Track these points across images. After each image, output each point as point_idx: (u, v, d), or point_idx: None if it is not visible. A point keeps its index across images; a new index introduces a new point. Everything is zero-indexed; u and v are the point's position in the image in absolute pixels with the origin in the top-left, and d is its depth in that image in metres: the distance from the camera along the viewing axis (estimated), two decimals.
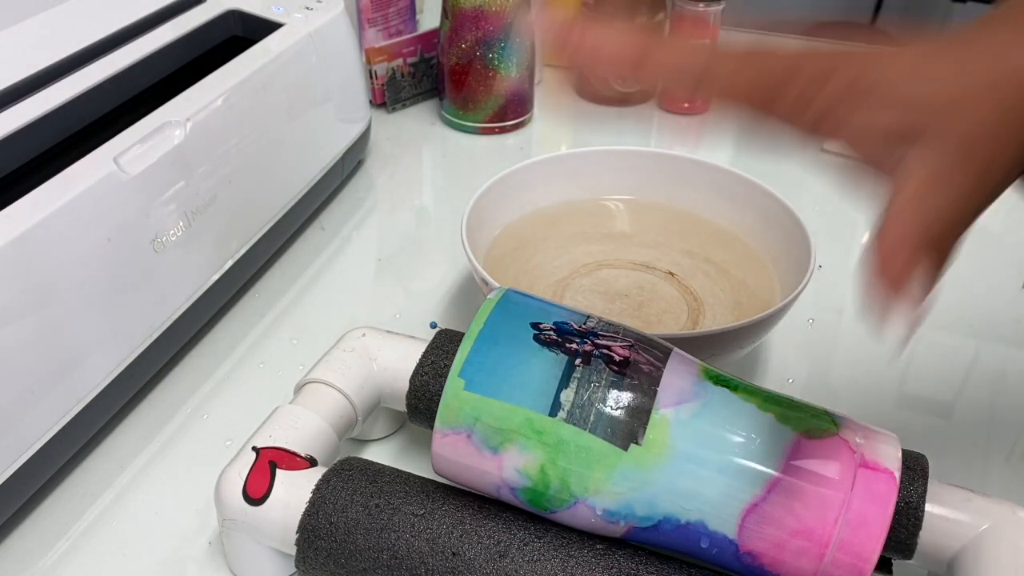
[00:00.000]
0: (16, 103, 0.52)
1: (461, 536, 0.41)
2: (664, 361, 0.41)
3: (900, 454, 0.39)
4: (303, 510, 0.42)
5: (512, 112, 0.86)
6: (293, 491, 0.42)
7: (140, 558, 0.47)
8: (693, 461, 0.39)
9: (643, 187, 0.68)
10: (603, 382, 0.40)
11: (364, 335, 0.51)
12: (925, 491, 0.40)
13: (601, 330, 0.43)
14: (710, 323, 0.58)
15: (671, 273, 0.62)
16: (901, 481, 0.39)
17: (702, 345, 0.50)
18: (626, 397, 0.40)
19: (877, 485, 0.38)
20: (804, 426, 0.39)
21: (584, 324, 0.43)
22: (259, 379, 0.59)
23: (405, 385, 0.48)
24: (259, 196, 0.64)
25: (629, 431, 0.39)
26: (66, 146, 0.54)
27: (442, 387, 0.40)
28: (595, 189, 0.69)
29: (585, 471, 0.39)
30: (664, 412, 0.40)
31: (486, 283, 0.53)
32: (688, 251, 0.64)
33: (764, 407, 0.40)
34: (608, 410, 0.39)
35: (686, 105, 0.91)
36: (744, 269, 0.62)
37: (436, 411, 0.41)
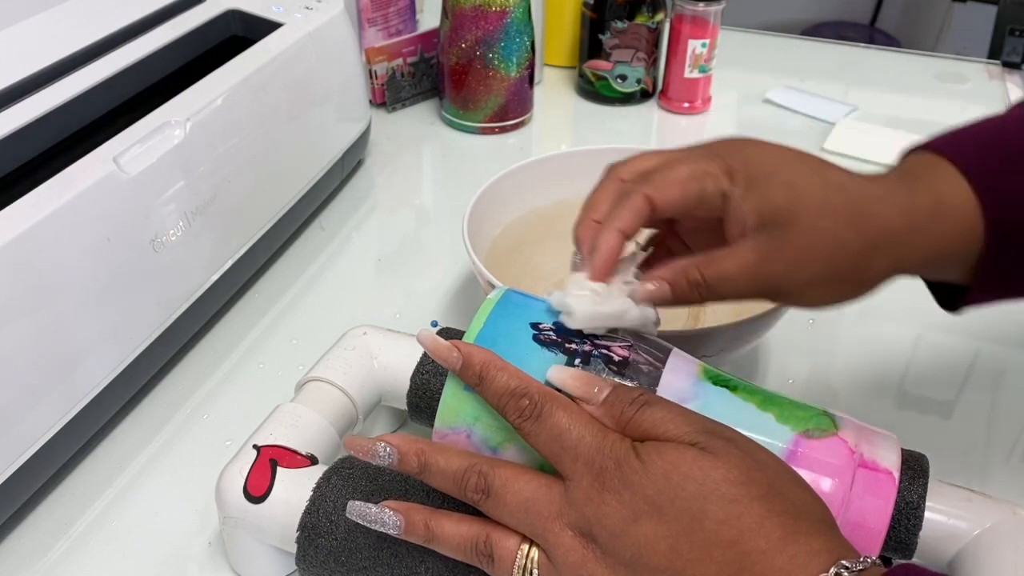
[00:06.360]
0: (16, 103, 0.52)
1: None
2: (663, 361, 0.41)
3: (900, 454, 0.39)
4: (304, 508, 0.42)
5: (512, 112, 0.86)
6: (294, 489, 0.42)
7: (140, 558, 0.47)
8: None
9: None
10: None
11: (365, 333, 0.51)
12: (925, 491, 0.40)
13: None
14: (710, 321, 0.57)
15: None
16: (901, 481, 0.39)
17: (702, 343, 0.50)
18: None
19: (876, 485, 0.38)
20: (803, 426, 0.39)
21: None
22: (259, 379, 0.59)
23: (406, 383, 0.48)
24: (259, 196, 0.64)
25: None
26: (66, 146, 0.54)
27: (443, 385, 0.40)
28: None
29: None
30: None
31: (491, 284, 0.53)
32: None
33: (763, 407, 0.40)
34: None
35: (686, 105, 0.91)
36: None
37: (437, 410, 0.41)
